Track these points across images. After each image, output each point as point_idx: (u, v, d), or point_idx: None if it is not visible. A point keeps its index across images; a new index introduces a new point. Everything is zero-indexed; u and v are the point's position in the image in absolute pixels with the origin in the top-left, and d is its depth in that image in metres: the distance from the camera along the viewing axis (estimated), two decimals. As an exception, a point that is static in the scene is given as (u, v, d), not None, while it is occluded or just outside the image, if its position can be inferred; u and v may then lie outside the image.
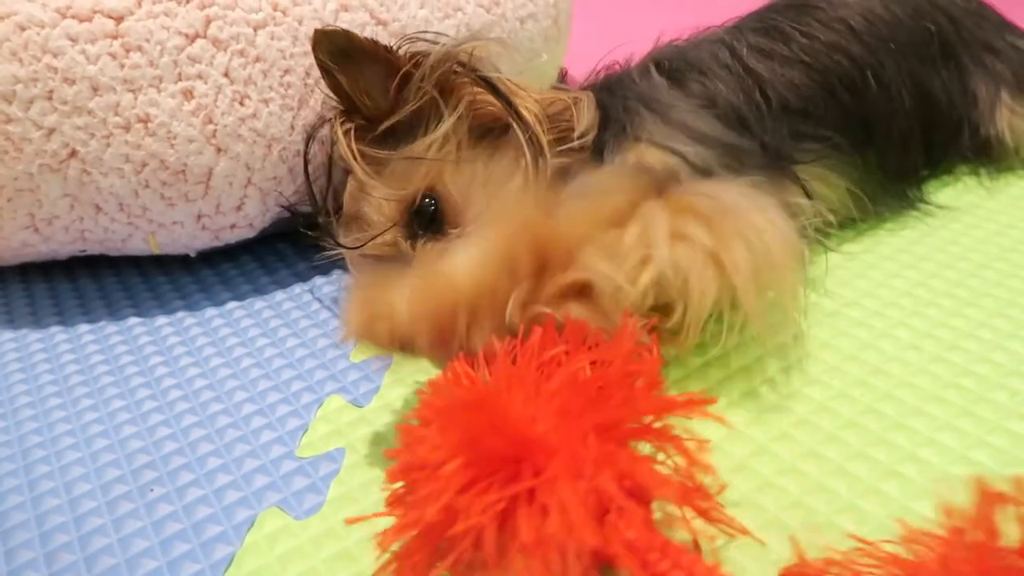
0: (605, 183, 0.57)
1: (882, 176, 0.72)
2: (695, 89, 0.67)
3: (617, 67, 0.72)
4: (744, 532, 0.40)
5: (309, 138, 0.69)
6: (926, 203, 0.76)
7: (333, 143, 0.64)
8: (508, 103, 0.61)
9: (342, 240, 0.65)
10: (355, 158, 0.61)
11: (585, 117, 0.63)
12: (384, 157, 0.62)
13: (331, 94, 0.64)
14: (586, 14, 1.26)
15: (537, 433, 0.38)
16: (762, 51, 0.70)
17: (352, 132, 0.62)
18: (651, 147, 0.62)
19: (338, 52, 0.61)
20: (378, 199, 0.62)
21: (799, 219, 0.61)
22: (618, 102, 0.65)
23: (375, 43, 0.61)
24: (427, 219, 0.61)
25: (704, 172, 0.61)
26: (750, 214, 0.51)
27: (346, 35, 0.60)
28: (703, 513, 0.39)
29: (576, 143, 0.62)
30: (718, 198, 0.52)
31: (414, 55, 0.62)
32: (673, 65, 0.69)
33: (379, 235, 0.62)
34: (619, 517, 0.36)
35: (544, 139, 0.61)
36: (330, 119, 0.65)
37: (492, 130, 0.63)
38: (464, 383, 0.44)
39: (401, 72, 0.61)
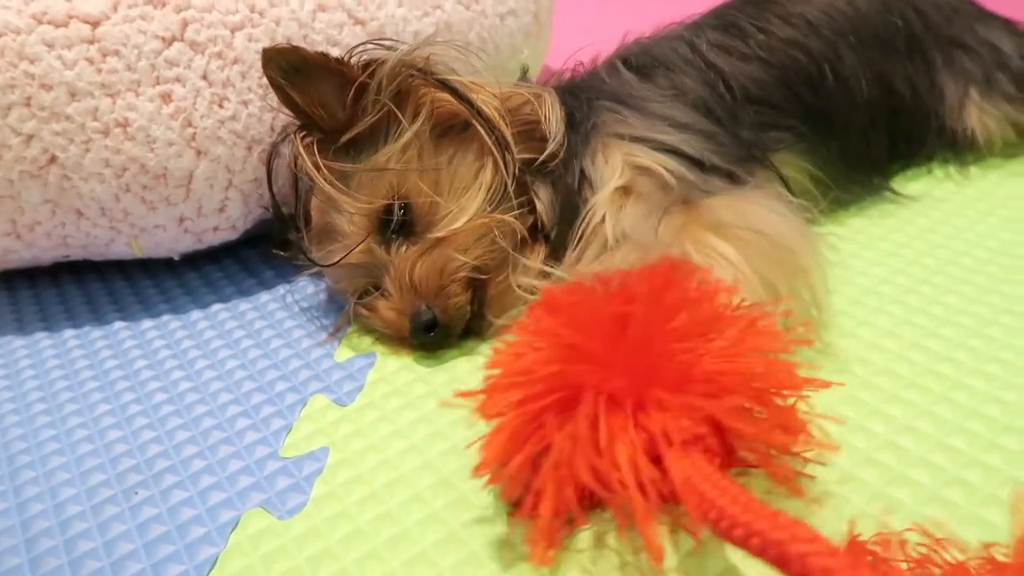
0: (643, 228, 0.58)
1: (844, 165, 0.73)
2: (663, 83, 0.67)
3: (581, 68, 0.72)
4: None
5: (271, 156, 0.69)
6: (893, 192, 0.77)
7: (296, 159, 0.64)
8: (469, 103, 0.61)
9: (315, 254, 0.65)
10: (320, 173, 0.61)
11: (552, 116, 0.63)
12: (349, 169, 0.62)
13: (287, 110, 0.64)
14: (567, 10, 1.26)
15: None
16: (721, 47, 0.71)
17: (314, 146, 0.63)
18: (636, 144, 0.62)
19: (289, 68, 0.61)
20: (347, 212, 0.62)
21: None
22: (583, 104, 0.65)
23: (326, 56, 0.61)
24: (398, 225, 0.61)
25: (698, 162, 0.61)
26: (775, 225, 0.55)
27: (296, 51, 0.60)
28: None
29: (550, 146, 0.62)
30: (744, 212, 0.56)
31: (368, 64, 0.62)
32: (640, 61, 0.70)
33: (353, 249, 0.62)
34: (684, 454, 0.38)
35: (508, 133, 0.62)
36: (289, 134, 0.66)
37: (452, 127, 0.63)
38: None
39: (356, 83, 0.61)
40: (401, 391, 0.59)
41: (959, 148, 0.82)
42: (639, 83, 0.67)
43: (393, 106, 0.61)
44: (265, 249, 0.78)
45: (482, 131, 0.61)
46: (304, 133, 0.63)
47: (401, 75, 0.61)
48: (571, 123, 0.64)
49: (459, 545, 0.45)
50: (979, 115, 0.79)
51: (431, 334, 0.60)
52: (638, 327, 0.41)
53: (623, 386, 0.40)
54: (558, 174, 0.63)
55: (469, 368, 0.61)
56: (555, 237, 0.63)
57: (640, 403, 0.40)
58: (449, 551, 0.45)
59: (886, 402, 0.52)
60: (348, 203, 0.61)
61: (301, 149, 0.62)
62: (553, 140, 0.62)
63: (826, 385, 0.43)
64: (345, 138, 0.62)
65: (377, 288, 0.63)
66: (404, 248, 0.61)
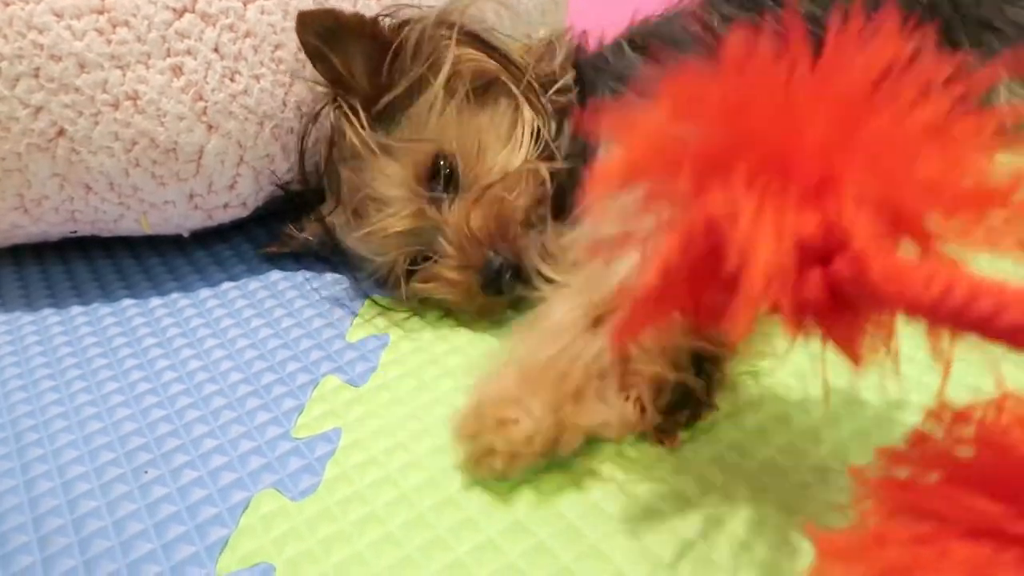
0: None
1: None
2: (668, 61, 0.66)
3: (585, 37, 0.71)
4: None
5: (304, 133, 0.67)
6: None
7: (335, 129, 0.63)
8: (500, 53, 0.61)
9: (353, 233, 0.64)
10: (364, 140, 0.60)
11: (560, 54, 0.63)
12: (393, 135, 0.61)
13: (321, 80, 0.62)
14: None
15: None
16: (734, 22, 0.69)
17: (357, 115, 0.61)
18: None
19: (326, 32, 0.59)
20: (393, 175, 0.61)
21: None
22: (586, 73, 0.65)
23: (361, 18, 0.59)
24: (445, 181, 0.60)
25: None
26: None
27: (331, 14, 0.58)
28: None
29: (559, 82, 0.62)
30: None
31: (401, 24, 0.61)
32: (645, 41, 0.68)
33: (392, 237, 0.61)
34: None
35: (536, 84, 0.62)
36: (321, 109, 0.64)
37: (476, 87, 0.62)
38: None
39: (393, 47, 0.60)
40: (414, 372, 0.58)
41: None
42: (643, 64, 0.66)
43: (429, 66, 0.60)
44: (277, 227, 0.77)
45: (511, 80, 0.61)
46: (339, 103, 0.62)
47: (436, 34, 0.60)
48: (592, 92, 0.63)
49: (475, 530, 0.44)
50: (1008, 97, 0.78)
51: (506, 278, 0.58)
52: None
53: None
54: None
55: (484, 351, 0.59)
56: (555, 198, 0.62)
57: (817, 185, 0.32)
58: (464, 536, 0.44)
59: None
60: (393, 166, 0.60)
61: (344, 120, 0.61)
62: (560, 76, 0.63)
63: None
64: (383, 102, 0.61)
65: (427, 258, 0.62)
66: (454, 205, 0.60)
